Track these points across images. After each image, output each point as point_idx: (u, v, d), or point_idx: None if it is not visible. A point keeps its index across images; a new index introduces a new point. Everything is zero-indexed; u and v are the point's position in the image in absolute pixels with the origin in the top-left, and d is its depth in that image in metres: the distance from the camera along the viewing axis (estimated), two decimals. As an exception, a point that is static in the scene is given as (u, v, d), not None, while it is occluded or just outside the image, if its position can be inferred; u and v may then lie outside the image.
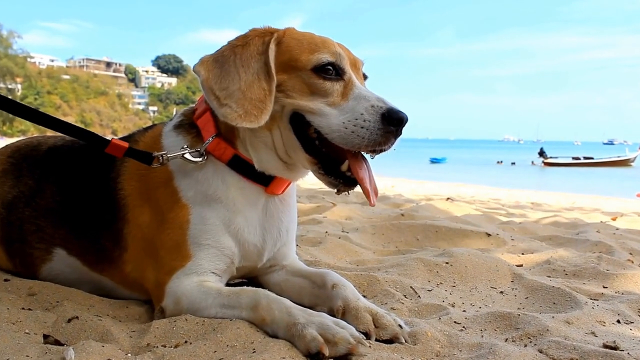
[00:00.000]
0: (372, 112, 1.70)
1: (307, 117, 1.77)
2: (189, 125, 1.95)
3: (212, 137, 1.86)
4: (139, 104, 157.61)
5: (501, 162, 48.38)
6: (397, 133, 1.71)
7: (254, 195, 1.90)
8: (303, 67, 1.79)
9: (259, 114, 1.72)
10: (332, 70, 1.79)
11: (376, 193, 1.79)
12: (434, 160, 49.71)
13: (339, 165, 1.79)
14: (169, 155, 1.83)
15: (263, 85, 1.76)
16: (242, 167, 1.87)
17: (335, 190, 1.81)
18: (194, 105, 2.04)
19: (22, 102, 1.91)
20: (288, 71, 1.80)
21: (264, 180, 1.90)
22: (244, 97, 1.73)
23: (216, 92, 1.75)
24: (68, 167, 2.10)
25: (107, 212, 1.94)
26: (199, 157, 1.85)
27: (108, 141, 1.87)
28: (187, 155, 1.84)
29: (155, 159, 1.85)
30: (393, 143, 1.72)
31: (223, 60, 1.79)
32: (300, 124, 1.80)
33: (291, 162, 1.89)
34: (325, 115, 1.74)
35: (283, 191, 1.98)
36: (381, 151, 1.73)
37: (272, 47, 1.80)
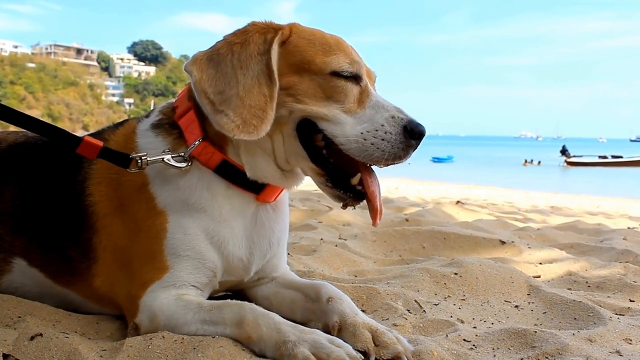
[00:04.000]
0: (393, 123, 1.76)
1: (320, 124, 1.79)
2: (169, 125, 1.93)
3: (199, 140, 1.85)
4: (113, 95, 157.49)
5: (531, 161, 47.78)
6: (416, 147, 1.78)
7: (243, 204, 1.90)
8: (319, 70, 1.80)
9: (259, 124, 1.72)
10: (349, 75, 1.82)
11: (382, 212, 1.84)
12: (437, 160, 47.64)
13: (348, 177, 1.82)
14: (149, 159, 1.81)
15: (264, 90, 1.75)
16: (231, 174, 1.86)
17: (341, 205, 1.85)
18: (172, 101, 2.02)
19: None
20: (300, 73, 1.81)
21: (255, 188, 1.90)
22: (242, 104, 1.72)
23: (210, 96, 1.74)
24: (30, 167, 2.09)
25: (74, 219, 1.93)
26: (183, 162, 1.84)
27: (80, 140, 1.84)
28: (170, 160, 1.82)
29: (133, 162, 1.82)
30: (410, 156, 1.79)
31: (219, 59, 1.78)
32: (306, 131, 1.82)
33: (288, 170, 1.90)
34: (340, 123, 1.78)
35: (275, 198, 1.98)
36: (397, 163, 1.79)
37: (275, 48, 1.79)
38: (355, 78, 1.83)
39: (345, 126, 1.77)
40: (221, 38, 1.86)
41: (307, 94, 1.79)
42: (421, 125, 1.78)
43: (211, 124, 1.83)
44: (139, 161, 1.81)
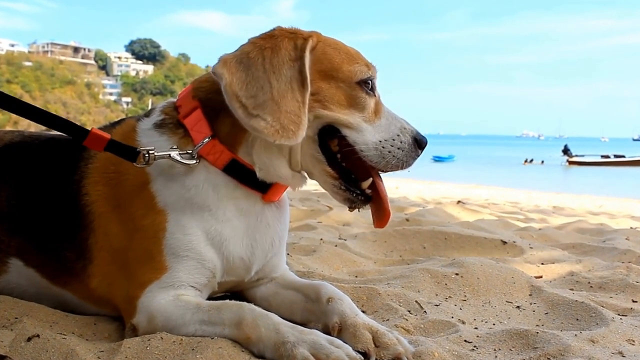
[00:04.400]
0: (405, 133, 1.94)
1: (343, 130, 1.88)
2: (173, 125, 1.94)
3: (209, 138, 1.86)
4: (111, 94, 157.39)
5: (531, 160, 48.08)
6: (419, 156, 1.97)
7: (249, 203, 1.92)
8: (346, 78, 1.89)
9: (296, 130, 1.76)
10: (370, 85, 1.93)
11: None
12: (438, 159, 48.64)
13: (357, 181, 1.94)
14: (156, 154, 1.82)
15: (297, 96, 1.79)
16: (239, 173, 1.88)
17: (350, 206, 1.95)
18: (172, 100, 2.03)
19: None
20: (327, 80, 1.88)
21: (262, 187, 1.92)
22: (278, 108, 1.75)
23: (242, 100, 1.75)
24: (26, 167, 2.09)
25: (70, 219, 1.93)
26: (191, 160, 1.84)
27: (87, 132, 1.84)
28: (178, 157, 1.83)
29: (140, 157, 1.82)
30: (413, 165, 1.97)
31: (249, 62, 1.80)
32: (324, 136, 1.89)
33: (297, 171, 1.95)
34: (362, 131, 1.89)
35: (279, 197, 2.01)
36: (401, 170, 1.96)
37: (308, 55, 1.84)
38: (372, 89, 1.94)
39: (366, 134, 1.88)
40: (246, 41, 1.89)
41: (333, 101, 1.87)
42: (425, 137, 1.97)
43: (222, 122, 1.88)
44: (147, 155, 1.81)
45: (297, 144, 1.85)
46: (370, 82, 1.93)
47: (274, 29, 1.91)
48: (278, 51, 1.82)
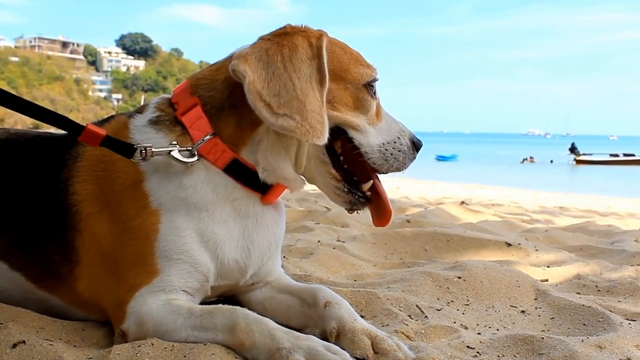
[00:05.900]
0: (404, 136, 2.02)
1: (350, 132, 1.94)
2: (169, 122, 1.93)
3: (210, 136, 1.86)
4: (101, 90, 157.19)
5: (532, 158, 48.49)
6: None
7: (248, 205, 1.92)
8: (354, 79, 1.95)
9: (322, 129, 1.80)
10: (373, 88, 2.00)
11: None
12: (441, 158, 49.58)
13: (359, 183, 1.99)
14: (154, 150, 1.81)
15: (316, 95, 1.83)
16: (240, 173, 1.89)
17: (350, 209, 2.01)
18: (166, 96, 2.02)
19: None
20: (336, 81, 1.92)
21: (262, 189, 1.93)
22: (304, 107, 1.78)
23: (266, 98, 1.76)
24: (11, 166, 2.08)
25: (56, 219, 1.92)
26: (191, 158, 1.84)
27: (82, 128, 1.83)
28: (177, 154, 1.82)
29: (137, 153, 1.81)
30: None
31: (268, 60, 1.81)
32: (330, 137, 1.91)
33: (300, 173, 1.98)
34: (366, 133, 1.95)
35: (276, 199, 2.02)
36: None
37: (325, 53, 1.87)
38: (375, 92, 1.99)
39: (370, 137, 1.95)
40: (257, 39, 1.90)
41: (342, 102, 1.92)
42: (421, 140, 2.07)
43: (225, 121, 1.89)
44: (144, 151, 1.81)
45: (306, 145, 1.89)
46: (373, 84, 1.99)
47: (285, 26, 1.93)
48: (296, 49, 1.84)
